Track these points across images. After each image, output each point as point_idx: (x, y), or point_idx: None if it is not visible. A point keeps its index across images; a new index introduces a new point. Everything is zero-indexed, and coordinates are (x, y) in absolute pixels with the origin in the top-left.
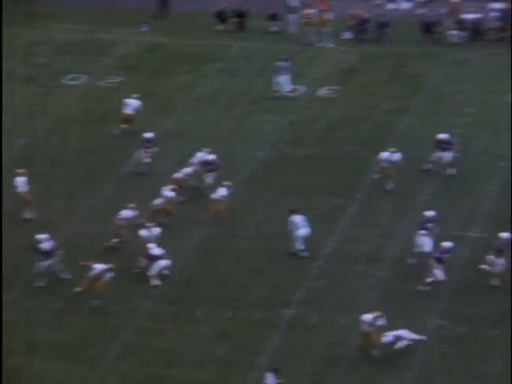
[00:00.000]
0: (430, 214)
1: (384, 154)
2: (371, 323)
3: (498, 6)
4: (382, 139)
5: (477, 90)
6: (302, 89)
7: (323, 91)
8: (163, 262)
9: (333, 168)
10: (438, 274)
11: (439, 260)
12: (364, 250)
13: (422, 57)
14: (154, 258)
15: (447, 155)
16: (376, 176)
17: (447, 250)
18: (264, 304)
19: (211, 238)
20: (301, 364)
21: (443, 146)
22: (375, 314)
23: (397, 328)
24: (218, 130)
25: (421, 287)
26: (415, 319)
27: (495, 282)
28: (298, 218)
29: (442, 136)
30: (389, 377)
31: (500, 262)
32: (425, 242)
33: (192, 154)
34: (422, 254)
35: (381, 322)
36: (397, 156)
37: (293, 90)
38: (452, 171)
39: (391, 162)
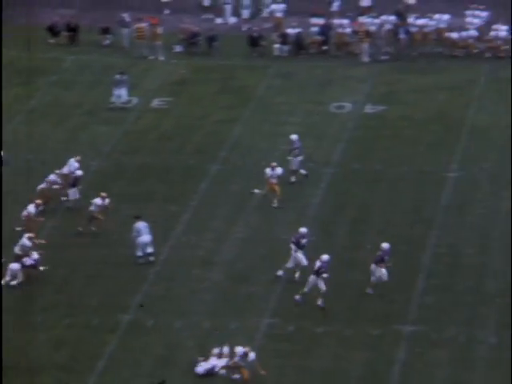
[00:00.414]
0: (303, 230)
1: (267, 170)
2: (242, 358)
3: (317, 21)
4: (213, 148)
5: (300, 101)
6: (135, 100)
7: (156, 102)
8: (15, 266)
9: (167, 176)
10: (321, 286)
11: (317, 273)
12: (199, 254)
13: (249, 69)
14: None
15: (295, 160)
16: (263, 192)
17: (326, 263)
18: (102, 310)
19: (47, 246)
20: (138, 366)
21: (294, 148)
22: (245, 348)
23: (230, 329)
24: (52, 142)
25: (319, 303)
26: (248, 319)
27: (370, 290)
28: (141, 225)
29: (294, 137)
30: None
31: (379, 271)
32: (301, 258)
33: (28, 165)
34: (300, 268)
35: (251, 357)
36: (279, 170)
37: (128, 102)
38: (293, 178)
39: (275, 177)
